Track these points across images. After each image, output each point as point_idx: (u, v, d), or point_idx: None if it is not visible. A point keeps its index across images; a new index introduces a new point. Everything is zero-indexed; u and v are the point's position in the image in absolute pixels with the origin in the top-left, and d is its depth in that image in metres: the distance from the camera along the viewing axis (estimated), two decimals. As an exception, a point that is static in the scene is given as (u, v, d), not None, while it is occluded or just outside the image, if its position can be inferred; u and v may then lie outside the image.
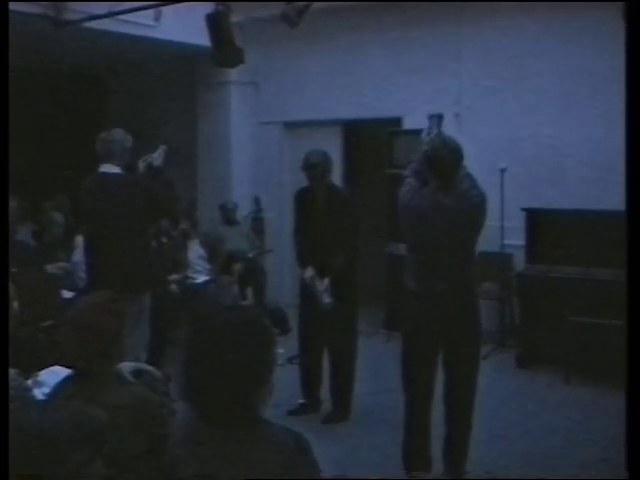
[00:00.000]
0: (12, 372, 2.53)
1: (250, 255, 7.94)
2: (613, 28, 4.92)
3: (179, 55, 8.50)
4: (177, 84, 9.22)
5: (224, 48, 6.21)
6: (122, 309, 2.53)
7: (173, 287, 6.79)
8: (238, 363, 1.80)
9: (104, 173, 4.69)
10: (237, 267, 7.54)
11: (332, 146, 7.43)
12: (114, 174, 4.66)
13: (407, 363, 4.04)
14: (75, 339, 2.39)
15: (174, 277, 6.89)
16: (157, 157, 4.68)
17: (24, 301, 4.01)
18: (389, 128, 7.52)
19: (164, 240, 7.58)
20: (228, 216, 8.23)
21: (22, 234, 6.65)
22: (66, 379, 2.46)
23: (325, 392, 5.29)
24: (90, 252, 4.88)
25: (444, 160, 3.79)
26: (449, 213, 3.80)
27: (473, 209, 3.89)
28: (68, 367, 2.51)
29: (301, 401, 5.26)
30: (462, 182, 3.87)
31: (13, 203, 6.51)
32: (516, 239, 6.54)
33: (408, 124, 7.59)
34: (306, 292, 5.14)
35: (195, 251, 7.43)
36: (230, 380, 1.80)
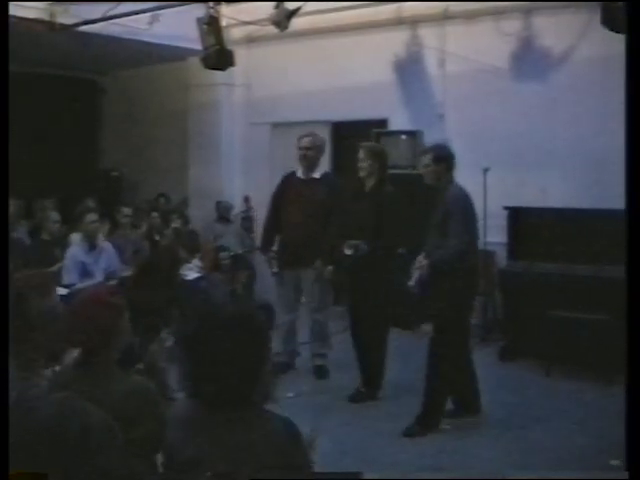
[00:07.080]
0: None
1: (239, 252, 8.09)
2: (592, 28, 5.09)
3: (172, 58, 8.56)
4: (170, 86, 9.28)
5: (215, 51, 6.31)
6: (120, 302, 2.58)
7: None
8: (235, 353, 1.91)
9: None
10: (225, 260, 7.68)
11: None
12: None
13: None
14: (76, 331, 2.47)
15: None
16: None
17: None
18: (375, 129, 7.62)
19: (157, 238, 7.74)
20: (223, 214, 8.38)
21: (18, 232, 6.77)
22: (69, 370, 2.55)
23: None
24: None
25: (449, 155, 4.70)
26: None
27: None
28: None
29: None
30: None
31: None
32: (498, 237, 6.66)
33: (393, 125, 7.78)
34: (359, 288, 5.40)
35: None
36: (227, 370, 1.90)
